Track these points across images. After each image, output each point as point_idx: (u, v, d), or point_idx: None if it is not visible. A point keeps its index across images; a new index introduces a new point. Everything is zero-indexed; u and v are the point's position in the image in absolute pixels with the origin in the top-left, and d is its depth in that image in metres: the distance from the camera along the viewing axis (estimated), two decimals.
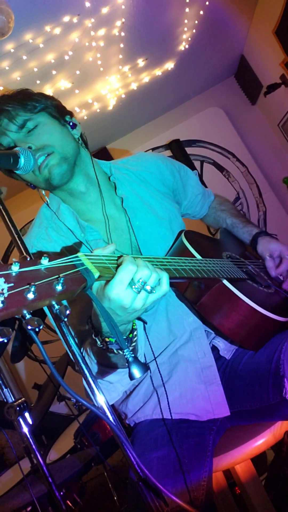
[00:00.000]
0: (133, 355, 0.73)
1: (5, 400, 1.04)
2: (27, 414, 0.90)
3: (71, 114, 1.25)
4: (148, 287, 0.76)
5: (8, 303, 0.54)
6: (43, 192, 1.26)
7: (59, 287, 0.61)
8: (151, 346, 1.19)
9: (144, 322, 1.19)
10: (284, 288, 1.31)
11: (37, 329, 0.58)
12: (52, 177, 1.15)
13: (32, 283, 0.58)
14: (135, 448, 1.16)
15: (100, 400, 0.74)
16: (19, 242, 0.87)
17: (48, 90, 3.11)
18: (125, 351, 0.72)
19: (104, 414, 0.73)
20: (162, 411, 1.19)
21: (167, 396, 1.17)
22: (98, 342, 0.88)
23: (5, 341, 0.54)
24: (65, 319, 0.64)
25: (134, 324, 0.92)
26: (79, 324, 1.09)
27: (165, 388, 1.18)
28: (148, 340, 1.18)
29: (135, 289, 0.74)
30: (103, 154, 4.54)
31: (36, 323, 0.58)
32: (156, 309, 1.22)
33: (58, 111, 1.20)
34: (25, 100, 1.13)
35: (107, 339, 0.88)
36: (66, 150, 1.16)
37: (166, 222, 1.28)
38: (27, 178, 1.19)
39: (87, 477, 2.82)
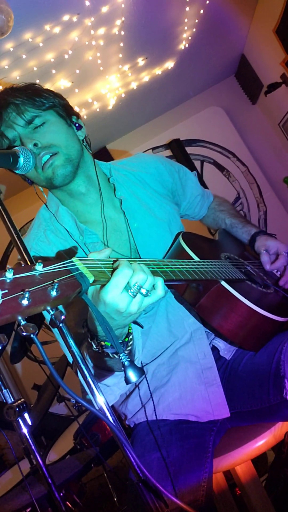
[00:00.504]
0: (129, 359, 0.72)
1: (4, 401, 1.04)
2: (26, 415, 0.89)
3: (77, 115, 1.24)
4: (143, 291, 0.75)
5: (2, 309, 0.54)
6: (41, 189, 1.25)
7: (53, 293, 0.61)
8: (141, 348, 1.18)
9: (141, 326, 1.18)
10: (280, 284, 1.31)
11: (31, 335, 0.57)
12: (55, 177, 1.14)
13: (26, 289, 0.57)
14: (135, 449, 1.15)
15: (100, 401, 0.74)
16: (18, 242, 0.87)
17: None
18: (121, 355, 0.72)
19: (104, 415, 0.72)
20: (162, 412, 1.18)
21: (152, 400, 1.18)
22: (94, 346, 0.88)
23: (0, 347, 0.53)
24: (60, 324, 0.64)
25: (130, 328, 0.91)
26: (76, 327, 1.08)
27: (151, 394, 1.18)
28: (145, 343, 1.17)
29: (130, 293, 0.74)
30: (103, 153, 4.54)
31: (31, 329, 0.57)
32: (156, 311, 1.22)
33: (66, 111, 1.19)
34: (35, 95, 1.12)
35: (102, 343, 0.87)
36: (71, 152, 1.15)
37: (164, 224, 1.28)
38: (28, 175, 1.18)
39: (87, 478, 2.82)
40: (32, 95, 1.11)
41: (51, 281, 0.62)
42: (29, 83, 1.17)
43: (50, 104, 1.14)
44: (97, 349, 0.88)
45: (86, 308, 0.76)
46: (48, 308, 0.62)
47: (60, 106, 1.17)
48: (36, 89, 1.15)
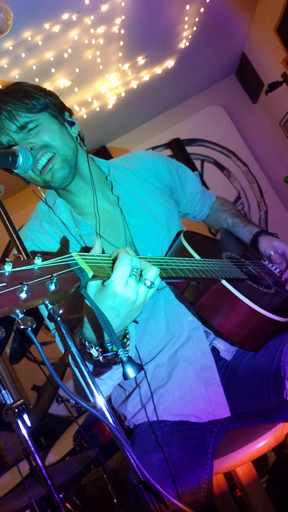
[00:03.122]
0: (127, 354, 0.72)
1: (3, 401, 1.03)
2: (25, 416, 0.89)
3: (70, 111, 1.24)
4: (148, 282, 0.76)
5: (0, 302, 0.55)
6: (39, 187, 1.26)
7: (52, 287, 0.61)
8: (138, 351, 1.18)
9: (135, 322, 1.18)
10: (287, 289, 1.30)
11: (29, 329, 0.58)
12: (53, 181, 1.15)
13: (25, 283, 0.58)
14: (135, 450, 1.15)
15: (100, 401, 0.73)
16: (17, 242, 0.86)
17: (47, 88, 3.10)
18: (119, 351, 0.71)
19: (104, 416, 0.71)
20: (162, 413, 1.17)
21: (153, 401, 1.17)
22: (95, 355, 0.87)
23: None
24: (59, 319, 0.64)
25: (126, 329, 0.90)
26: (67, 313, 1.10)
27: (152, 396, 1.18)
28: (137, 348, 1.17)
29: (135, 278, 0.75)
30: (103, 153, 4.53)
31: (29, 322, 0.58)
32: (155, 307, 1.21)
33: (58, 110, 1.18)
34: (26, 98, 1.11)
35: (103, 349, 0.86)
36: (67, 152, 1.15)
37: (162, 220, 1.28)
38: (25, 177, 1.17)
39: (86, 480, 2.81)
40: (23, 98, 1.10)
41: (50, 275, 0.62)
42: (17, 83, 1.16)
43: (42, 105, 1.13)
44: (97, 358, 0.87)
45: (78, 295, 0.76)
46: (47, 302, 0.62)
47: (52, 105, 1.16)
48: (27, 91, 1.13)
